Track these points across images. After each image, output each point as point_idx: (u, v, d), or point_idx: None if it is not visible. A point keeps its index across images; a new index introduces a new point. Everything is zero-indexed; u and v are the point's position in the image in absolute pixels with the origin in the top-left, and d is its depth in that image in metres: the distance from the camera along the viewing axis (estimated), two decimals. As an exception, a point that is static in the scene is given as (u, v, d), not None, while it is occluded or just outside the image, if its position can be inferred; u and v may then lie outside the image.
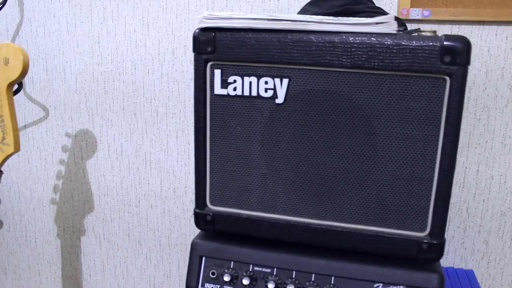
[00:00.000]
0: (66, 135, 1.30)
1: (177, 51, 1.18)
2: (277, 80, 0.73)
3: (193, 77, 1.15)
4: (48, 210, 1.36)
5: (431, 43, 0.65)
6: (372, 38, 0.68)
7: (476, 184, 1.06)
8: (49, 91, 1.28)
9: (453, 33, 1.00)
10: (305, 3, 0.94)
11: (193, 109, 1.19)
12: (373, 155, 0.71)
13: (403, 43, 0.66)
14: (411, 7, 1.01)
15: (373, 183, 0.72)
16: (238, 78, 0.74)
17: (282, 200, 0.77)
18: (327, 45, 0.69)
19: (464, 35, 0.67)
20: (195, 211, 0.81)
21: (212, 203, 0.80)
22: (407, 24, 0.97)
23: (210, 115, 0.77)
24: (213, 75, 0.75)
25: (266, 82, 0.73)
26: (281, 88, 0.73)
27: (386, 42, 0.67)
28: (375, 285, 0.73)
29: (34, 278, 1.43)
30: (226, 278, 0.77)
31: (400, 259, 0.74)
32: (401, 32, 0.71)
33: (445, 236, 0.73)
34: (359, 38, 0.68)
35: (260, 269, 0.77)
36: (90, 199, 1.32)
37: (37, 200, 1.36)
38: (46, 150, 1.32)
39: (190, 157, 1.23)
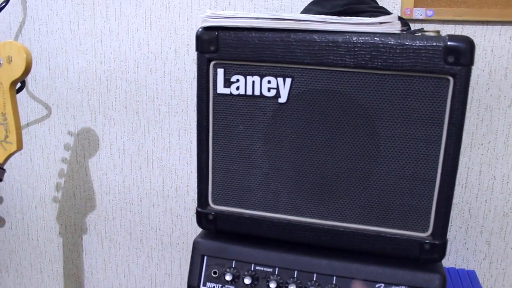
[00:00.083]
0: (69, 134, 1.30)
1: (180, 50, 1.17)
2: (280, 80, 0.73)
3: (195, 76, 1.15)
4: (50, 208, 1.36)
5: (434, 43, 0.65)
6: (375, 38, 0.67)
7: (479, 184, 1.06)
8: (52, 90, 1.28)
9: (456, 33, 1.00)
10: (308, 2, 0.93)
11: (195, 108, 1.19)
12: (376, 155, 0.71)
13: (407, 43, 0.66)
14: (414, 7, 1.00)
15: (375, 183, 0.72)
16: (241, 77, 0.74)
17: (285, 199, 0.77)
18: (330, 44, 0.69)
19: (468, 35, 0.66)
20: (197, 210, 0.81)
21: (214, 202, 0.80)
22: (410, 24, 0.96)
23: (213, 114, 0.77)
24: (216, 74, 0.75)
25: (269, 82, 0.73)
26: (284, 87, 0.73)
27: (389, 42, 0.67)
28: (377, 285, 0.73)
29: (36, 276, 1.43)
30: (228, 277, 0.77)
31: (402, 259, 0.74)
32: (405, 32, 0.71)
33: (447, 236, 0.73)
34: (363, 38, 0.68)
35: (262, 268, 0.77)
36: (92, 198, 1.32)
37: (39, 198, 1.37)
38: (48, 148, 1.32)
39: (193, 156, 1.23)
